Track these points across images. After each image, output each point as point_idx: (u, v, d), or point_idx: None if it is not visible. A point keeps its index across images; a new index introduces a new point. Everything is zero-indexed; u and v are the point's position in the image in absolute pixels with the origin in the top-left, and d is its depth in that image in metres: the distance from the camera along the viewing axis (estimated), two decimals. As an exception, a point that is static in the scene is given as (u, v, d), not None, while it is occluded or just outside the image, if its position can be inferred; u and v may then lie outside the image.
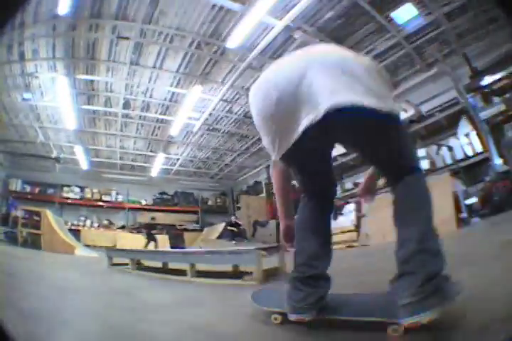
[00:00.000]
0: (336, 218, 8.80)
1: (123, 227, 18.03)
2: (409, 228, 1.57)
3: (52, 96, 12.56)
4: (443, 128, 9.39)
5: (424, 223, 1.58)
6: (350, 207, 9.35)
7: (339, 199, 10.81)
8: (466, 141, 8.41)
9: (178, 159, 18.50)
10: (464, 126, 8.59)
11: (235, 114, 14.69)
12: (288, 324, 1.86)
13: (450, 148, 8.66)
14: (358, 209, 8.81)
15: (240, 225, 14.64)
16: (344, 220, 8.96)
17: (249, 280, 3.97)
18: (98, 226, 17.83)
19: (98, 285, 4.33)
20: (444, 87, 9.49)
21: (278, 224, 11.07)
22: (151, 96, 13.47)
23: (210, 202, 20.93)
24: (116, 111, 14.03)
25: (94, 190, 18.53)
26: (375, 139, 1.68)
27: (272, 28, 8.84)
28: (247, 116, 13.95)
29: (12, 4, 1.18)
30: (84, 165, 17.37)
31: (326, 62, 1.65)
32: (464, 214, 6.29)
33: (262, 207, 16.17)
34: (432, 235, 1.55)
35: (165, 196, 19.95)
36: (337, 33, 9.74)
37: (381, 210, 6.58)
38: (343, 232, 8.50)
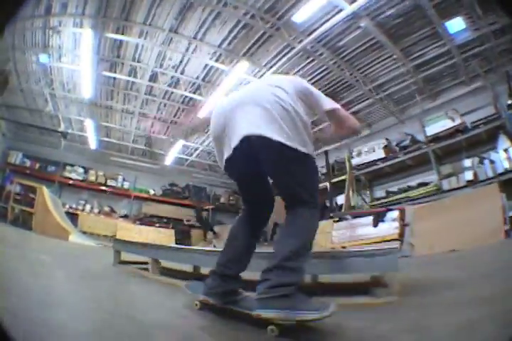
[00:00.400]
0: (376, 225, 7.98)
1: (125, 216, 16.06)
2: (280, 248, 1.96)
3: (72, 58, 10.80)
4: (482, 141, 9.34)
5: (291, 247, 1.91)
6: (392, 215, 8.14)
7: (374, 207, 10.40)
8: (505, 156, 8.41)
9: (196, 149, 16.59)
10: (503, 141, 8.63)
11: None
12: (204, 310, 2.25)
13: (492, 161, 8.63)
14: (402, 218, 7.80)
15: None
16: (386, 228, 7.93)
17: (383, 297, 2.56)
18: (98, 212, 15.67)
19: (108, 308, 2.34)
20: (483, 102, 9.46)
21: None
22: (182, 73, 11.66)
23: (222, 200, 18.56)
24: (141, 83, 12.02)
25: (100, 173, 16.33)
26: (281, 168, 2.09)
27: (340, 10, 7.94)
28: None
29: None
30: (92, 144, 15.45)
31: (261, 104, 2.06)
32: (507, 226, 5.89)
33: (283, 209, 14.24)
34: (295, 257, 1.87)
35: (175, 188, 17.74)
36: (394, 32, 9.07)
37: (429, 219, 6.66)
38: (382, 241, 7.34)
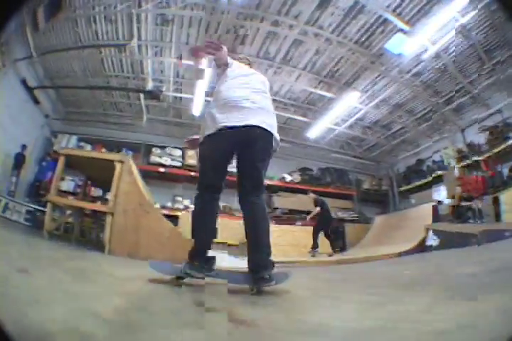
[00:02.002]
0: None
1: None
2: (265, 241, 2.19)
3: None
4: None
5: (268, 241, 2.19)
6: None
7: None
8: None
9: (359, 110, 9.83)
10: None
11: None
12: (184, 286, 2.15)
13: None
14: None
15: (473, 198, 7.88)
16: None
17: None
18: None
19: None
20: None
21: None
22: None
23: (365, 185, 11.99)
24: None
25: (200, 156, 9.75)
26: (262, 157, 2.29)
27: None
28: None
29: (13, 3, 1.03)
30: (196, 107, 8.97)
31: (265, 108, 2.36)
32: None
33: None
34: (270, 251, 2.19)
35: (311, 172, 11.45)
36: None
37: None
38: None
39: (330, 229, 8.06)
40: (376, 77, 8.54)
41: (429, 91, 8.78)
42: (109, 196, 4.38)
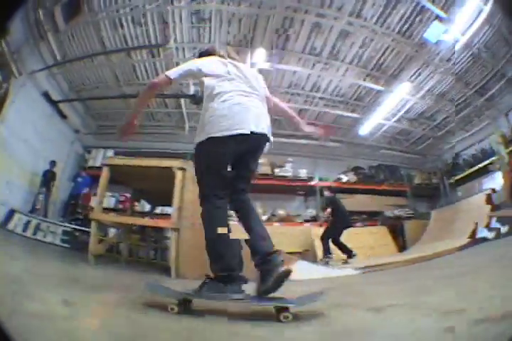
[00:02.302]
0: None
1: (314, 219, 9.18)
2: (270, 240, 1.96)
3: None
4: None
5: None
6: None
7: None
8: None
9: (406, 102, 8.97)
10: None
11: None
12: (184, 314, 1.67)
13: None
14: None
15: None
16: None
17: None
18: (267, 219, 8.52)
19: None
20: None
21: None
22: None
23: (417, 180, 11.04)
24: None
25: (260, 161, 8.71)
26: (259, 154, 2.20)
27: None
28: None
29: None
30: None
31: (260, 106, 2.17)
32: None
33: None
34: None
35: (364, 171, 10.67)
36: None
37: None
38: None
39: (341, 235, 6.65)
40: (420, 67, 7.83)
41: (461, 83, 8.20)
42: (171, 209, 3.84)
